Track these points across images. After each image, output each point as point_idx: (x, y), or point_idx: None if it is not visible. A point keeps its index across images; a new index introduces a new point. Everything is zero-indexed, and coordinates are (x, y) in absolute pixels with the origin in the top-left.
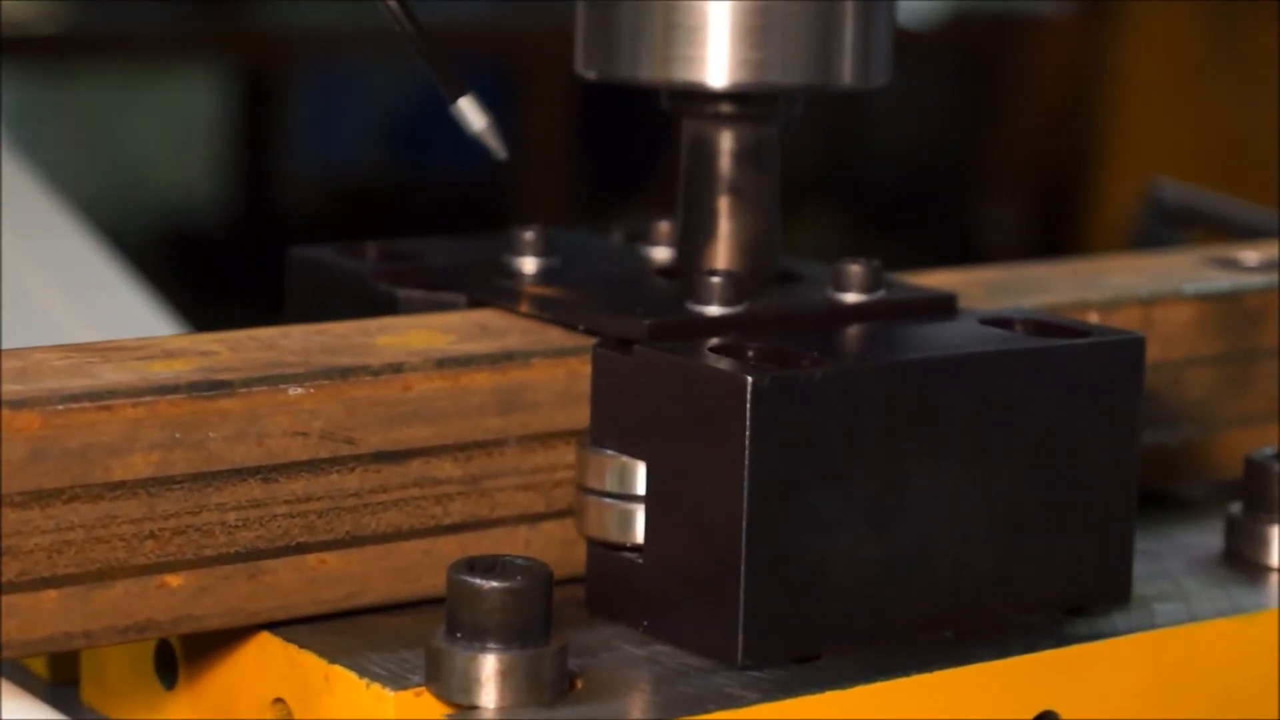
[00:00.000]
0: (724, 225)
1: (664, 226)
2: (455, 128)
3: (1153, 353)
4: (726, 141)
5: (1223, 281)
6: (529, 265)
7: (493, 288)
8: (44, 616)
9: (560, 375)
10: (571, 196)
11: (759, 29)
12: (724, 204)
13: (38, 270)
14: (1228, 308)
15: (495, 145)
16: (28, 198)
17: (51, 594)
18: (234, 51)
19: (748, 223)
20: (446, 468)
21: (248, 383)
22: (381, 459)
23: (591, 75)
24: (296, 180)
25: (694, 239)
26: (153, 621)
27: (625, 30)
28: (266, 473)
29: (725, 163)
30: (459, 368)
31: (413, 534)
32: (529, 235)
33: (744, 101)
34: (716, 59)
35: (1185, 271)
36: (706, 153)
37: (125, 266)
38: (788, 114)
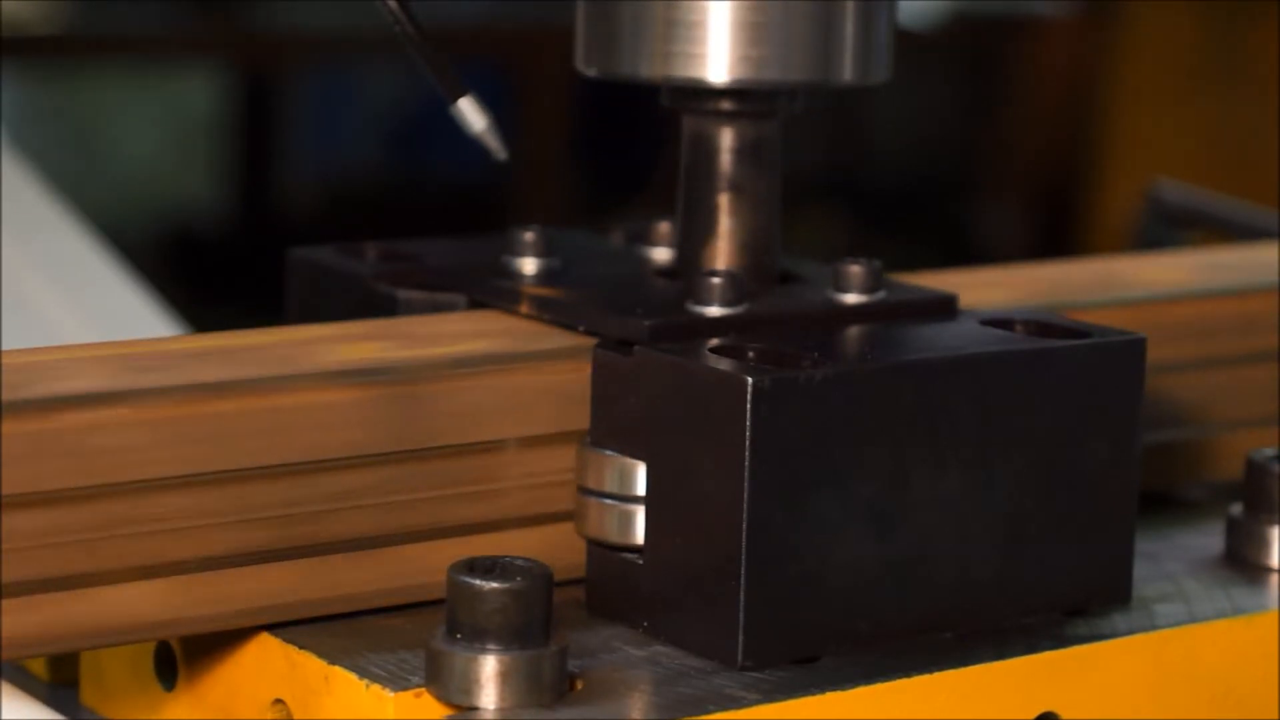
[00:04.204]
0: (724, 223)
1: (664, 227)
2: (455, 128)
3: (1152, 355)
4: (726, 138)
5: (1221, 284)
6: (529, 266)
7: (492, 289)
8: (44, 618)
9: (560, 376)
10: (571, 196)
11: (759, 25)
12: (724, 201)
13: (37, 271)
14: (1227, 309)
15: (495, 145)
16: (27, 198)
17: (52, 595)
18: (234, 52)
19: (748, 220)
20: (447, 469)
21: (248, 384)
22: (383, 461)
23: (592, 72)
24: (296, 181)
25: (694, 237)
26: (155, 623)
27: (626, 27)
28: (267, 474)
29: (725, 160)
30: (458, 370)
31: (415, 536)
32: (529, 236)
33: (744, 98)
34: (717, 55)
35: (1183, 274)
36: (706, 150)
37: (124, 267)
38: (788, 111)
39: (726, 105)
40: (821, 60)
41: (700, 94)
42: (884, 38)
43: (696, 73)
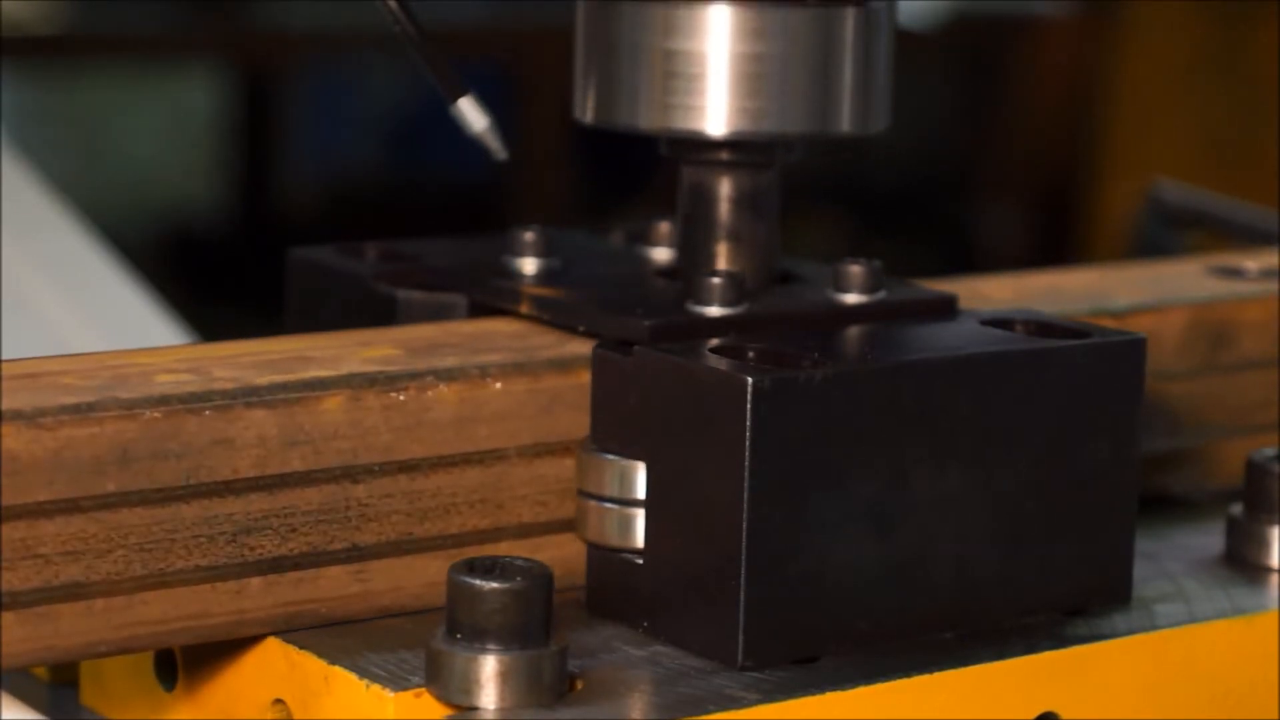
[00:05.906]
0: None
1: (664, 227)
2: (455, 128)
3: (1153, 360)
4: (725, 188)
5: (1222, 289)
6: (529, 266)
7: (493, 289)
8: (46, 628)
9: (559, 379)
10: (571, 196)
11: (757, 77)
12: (722, 250)
13: (37, 271)
14: (1226, 315)
15: (495, 145)
16: (27, 198)
17: (53, 607)
18: (234, 51)
19: (746, 268)
20: (449, 477)
21: (247, 394)
22: (385, 470)
23: (589, 121)
24: (296, 181)
25: None
26: (159, 633)
27: (624, 78)
28: (271, 484)
29: (724, 209)
30: (458, 375)
31: (418, 545)
32: (529, 236)
33: (742, 149)
34: (715, 107)
35: (1187, 280)
36: (705, 199)
37: (125, 267)
38: (785, 161)
39: (725, 156)
40: (819, 111)
41: (699, 145)
42: (883, 86)
43: (695, 125)
